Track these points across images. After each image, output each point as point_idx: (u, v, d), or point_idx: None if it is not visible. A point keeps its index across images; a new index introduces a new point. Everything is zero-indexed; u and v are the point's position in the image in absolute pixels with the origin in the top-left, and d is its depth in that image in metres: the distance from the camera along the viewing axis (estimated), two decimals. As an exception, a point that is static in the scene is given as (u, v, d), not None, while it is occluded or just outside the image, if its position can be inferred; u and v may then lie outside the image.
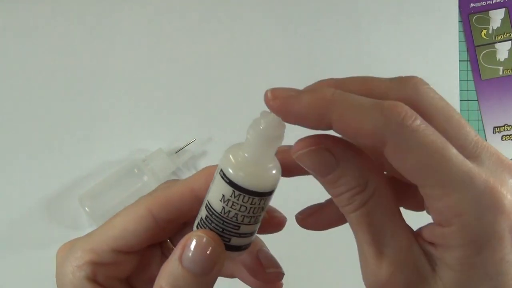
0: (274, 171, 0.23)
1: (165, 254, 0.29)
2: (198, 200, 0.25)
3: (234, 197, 0.23)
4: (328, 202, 0.29)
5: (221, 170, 0.23)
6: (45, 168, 0.50)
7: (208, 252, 0.23)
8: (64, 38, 0.51)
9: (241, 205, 0.23)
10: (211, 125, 0.51)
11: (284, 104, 0.24)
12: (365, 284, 0.24)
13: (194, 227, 0.25)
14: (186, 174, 0.50)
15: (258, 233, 0.25)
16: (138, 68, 0.51)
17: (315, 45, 0.52)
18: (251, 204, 0.23)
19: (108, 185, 0.47)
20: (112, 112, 0.51)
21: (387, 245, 0.22)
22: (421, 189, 0.21)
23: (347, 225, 0.29)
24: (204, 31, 0.52)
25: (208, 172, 0.26)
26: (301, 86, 0.53)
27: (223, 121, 0.51)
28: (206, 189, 0.25)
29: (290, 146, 0.25)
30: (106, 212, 0.47)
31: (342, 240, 0.49)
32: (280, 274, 0.28)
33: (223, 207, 0.23)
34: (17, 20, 0.51)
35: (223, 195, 0.23)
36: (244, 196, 0.23)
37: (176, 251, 0.23)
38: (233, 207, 0.23)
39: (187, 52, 0.51)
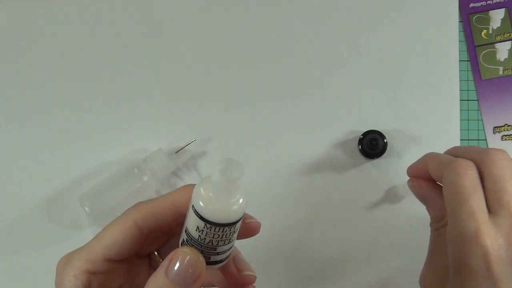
0: (240, 201, 0.26)
1: (152, 266, 0.32)
2: (179, 213, 0.29)
3: (207, 228, 0.26)
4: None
5: (193, 206, 0.26)
6: (45, 168, 0.50)
7: (191, 267, 0.26)
8: (64, 37, 0.51)
9: (214, 234, 0.26)
10: (211, 125, 0.51)
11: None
12: (421, 284, 0.38)
13: (180, 244, 0.28)
14: (186, 174, 0.50)
15: (236, 239, 0.29)
16: (138, 68, 0.51)
17: (315, 45, 0.52)
18: (222, 232, 0.26)
19: (108, 185, 0.47)
20: (112, 112, 0.51)
21: (437, 257, 0.38)
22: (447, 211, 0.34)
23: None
24: (204, 30, 0.52)
25: (188, 190, 0.29)
26: (300, 86, 0.53)
27: (223, 121, 0.51)
28: (186, 205, 0.28)
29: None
30: (106, 212, 0.47)
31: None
32: (253, 277, 0.31)
33: (199, 235, 0.27)
34: (16, 20, 0.51)
35: (198, 226, 0.26)
36: (215, 228, 0.26)
37: (163, 265, 0.26)
38: (207, 235, 0.26)
39: (187, 52, 0.51)
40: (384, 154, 0.49)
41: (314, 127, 0.51)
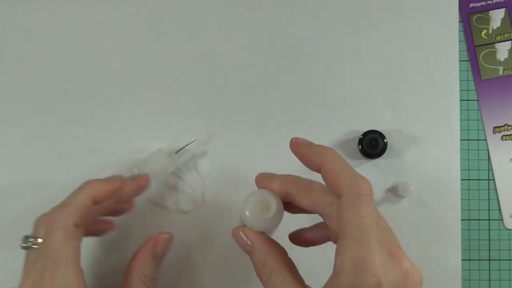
0: (271, 216, 0.37)
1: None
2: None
3: None
4: (312, 226, 0.42)
5: (241, 219, 0.38)
6: (45, 168, 0.50)
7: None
8: (63, 37, 0.51)
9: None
10: (211, 125, 0.51)
11: (298, 148, 0.38)
12: None
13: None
14: (186, 174, 0.50)
15: None
16: (138, 68, 0.51)
17: (314, 45, 0.52)
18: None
19: (108, 185, 0.47)
20: (112, 112, 0.51)
21: None
22: (336, 225, 0.34)
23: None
24: (204, 30, 0.52)
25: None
26: (300, 86, 0.53)
27: (223, 121, 0.51)
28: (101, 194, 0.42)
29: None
30: (106, 212, 0.47)
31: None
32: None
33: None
34: (14, 20, 0.51)
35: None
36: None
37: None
38: None
39: (187, 52, 0.51)
40: (384, 154, 0.49)
41: (314, 127, 0.51)
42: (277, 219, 0.37)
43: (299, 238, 0.43)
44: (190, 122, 0.51)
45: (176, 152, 0.49)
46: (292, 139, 0.38)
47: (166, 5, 0.52)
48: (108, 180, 0.43)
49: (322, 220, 0.38)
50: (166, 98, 0.51)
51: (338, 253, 0.32)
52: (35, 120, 0.51)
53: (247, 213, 0.37)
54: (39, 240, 0.39)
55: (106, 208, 0.44)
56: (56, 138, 0.50)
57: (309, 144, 0.38)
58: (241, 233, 0.37)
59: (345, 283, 0.31)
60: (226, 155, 0.51)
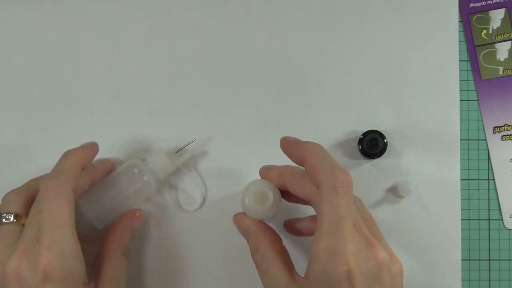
0: (268, 207, 0.41)
1: None
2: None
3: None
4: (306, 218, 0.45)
5: (242, 206, 0.42)
6: (45, 169, 0.50)
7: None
8: (63, 37, 0.51)
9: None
10: (211, 125, 0.51)
11: (286, 146, 0.41)
12: None
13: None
14: (186, 174, 0.50)
15: None
16: (138, 68, 0.51)
17: (314, 44, 0.52)
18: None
19: (108, 185, 0.47)
20: (112, 112, 0.51)
21: None
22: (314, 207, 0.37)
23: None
24: (204, 30, 0.52)
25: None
26: (300, 86, 0.53)
27: (223, 121, 0.51)
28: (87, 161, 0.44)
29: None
30: (106, 212, 0.47)
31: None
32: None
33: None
34: (14, 20, 0.51)
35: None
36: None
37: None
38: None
39: (187, 52, 0.51)
40: (384, 154, 0.49)
41: (314, 127, 0.51)
42: (273, 210, 0.40)
43: (290, 227, 0.45)
44: (190, 122, 0.51)
45: (176, 152, 0.49)
46: (281, 138, 0.41)
47: (166, 5, 0.52)
48: (83, 147, 0.45)
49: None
50: (166, 98, 0.51)
51: (314, 241, 0.34)
52: (35, 120, 0.51)
53: (246, 201, 0.40)
54: (11, 217, 0.41)
55: (84, 186, 0.45)
56: (56, 138, 0.50)
57: (296, 141, 0.40)
58: (240, 220, 0.41)
59: (318, 270, 0.33)
60: (226, 155, 0.51)
